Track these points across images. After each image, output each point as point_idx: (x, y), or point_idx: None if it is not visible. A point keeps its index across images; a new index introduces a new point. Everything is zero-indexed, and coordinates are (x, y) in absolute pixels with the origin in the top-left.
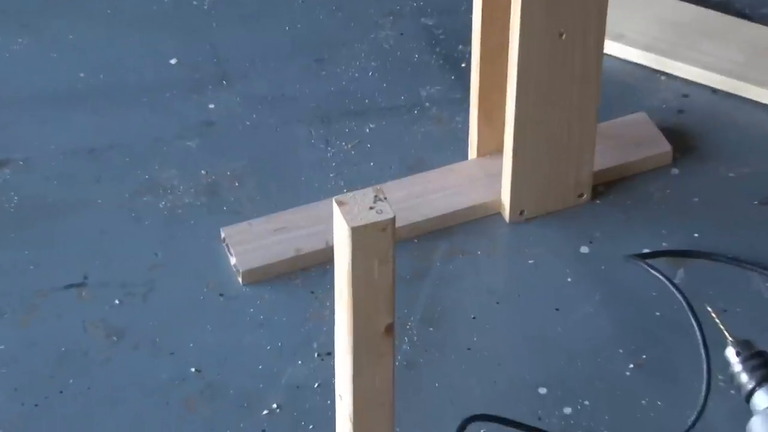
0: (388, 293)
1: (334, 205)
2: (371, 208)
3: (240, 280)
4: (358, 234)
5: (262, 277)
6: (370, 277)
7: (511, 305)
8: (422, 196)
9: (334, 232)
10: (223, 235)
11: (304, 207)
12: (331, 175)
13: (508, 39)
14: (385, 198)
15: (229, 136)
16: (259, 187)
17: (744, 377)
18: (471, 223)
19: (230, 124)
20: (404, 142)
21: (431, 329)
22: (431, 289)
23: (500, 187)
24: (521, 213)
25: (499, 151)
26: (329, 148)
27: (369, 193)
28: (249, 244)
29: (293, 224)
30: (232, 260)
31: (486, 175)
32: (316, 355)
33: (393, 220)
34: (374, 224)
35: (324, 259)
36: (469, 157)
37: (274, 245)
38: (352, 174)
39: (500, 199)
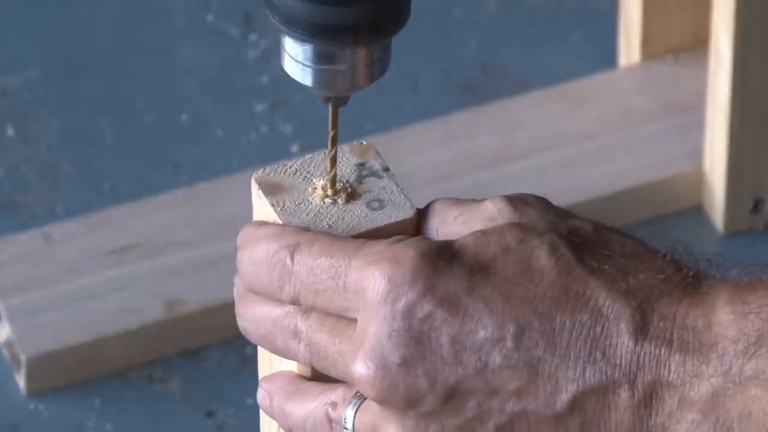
0: None
1: (255, 191)
2: (348, 192)
3: (22, 382)
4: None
5: (69, 380)
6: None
7: None
8: (498, 164)
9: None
10: None
11: (182, 192)
12: (258, 107)
13: None
14: (387, 169)
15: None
16: (74, 130)
17: None
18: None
19: None
20: (443, 29)
21: None
22: None
23: (700, 142)
24: (756, 207)
25: (695, 45)
26: (252, 35)
27: (344, 157)
28: (42, 299)
29: (152, 237)
30: (2, 333)
31: (663, 108)
32: None
33: (411, 221)
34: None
35: (227, 335)
36: (621, 62)
37: (101, 300)
38: (305, 104)
39: (702, 171)
